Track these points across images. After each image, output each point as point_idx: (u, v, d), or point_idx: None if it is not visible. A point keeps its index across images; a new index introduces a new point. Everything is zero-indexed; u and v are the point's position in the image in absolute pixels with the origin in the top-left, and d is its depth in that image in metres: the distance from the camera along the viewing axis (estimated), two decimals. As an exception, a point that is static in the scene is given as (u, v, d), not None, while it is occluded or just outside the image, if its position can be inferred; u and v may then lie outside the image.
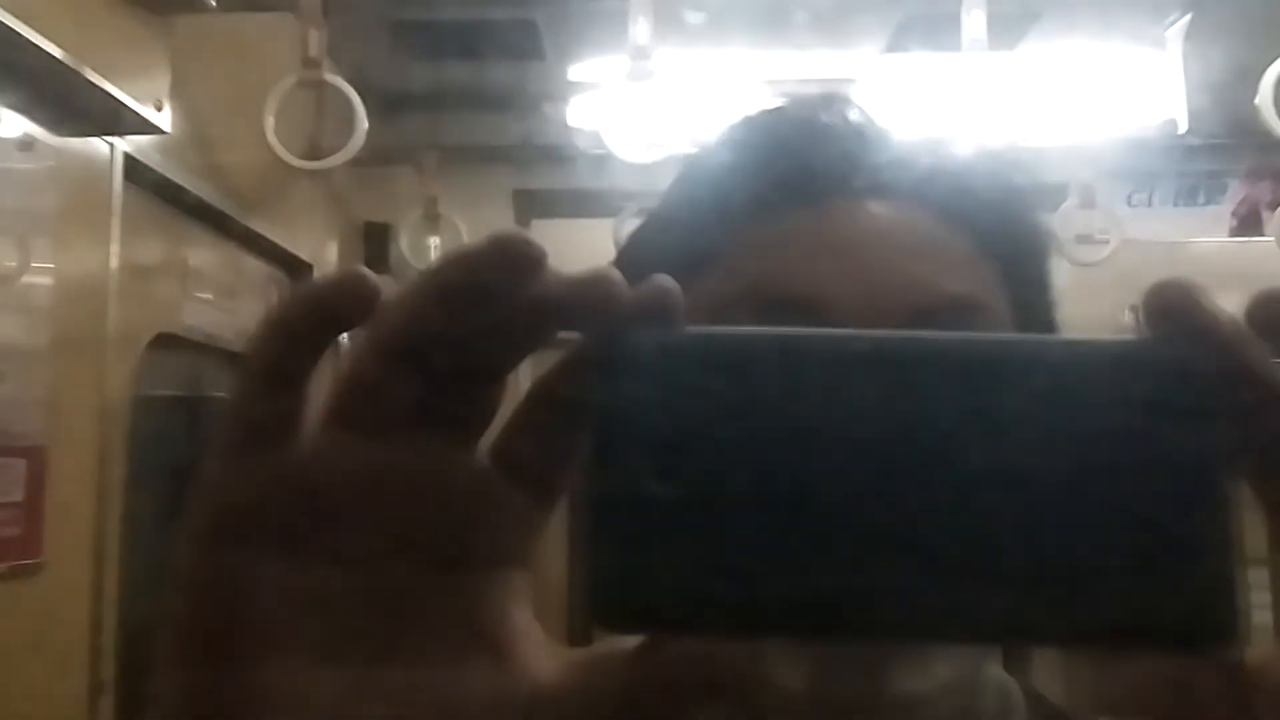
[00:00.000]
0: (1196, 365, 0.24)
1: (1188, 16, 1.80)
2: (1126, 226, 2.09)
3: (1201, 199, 2.59)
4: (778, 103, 0.55)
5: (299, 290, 0.26)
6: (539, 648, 0.27)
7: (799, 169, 0.50)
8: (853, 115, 0.52)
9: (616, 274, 0.25)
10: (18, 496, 1.47)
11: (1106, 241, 2.09)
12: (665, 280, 0.25)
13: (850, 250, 0.48)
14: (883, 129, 0.52)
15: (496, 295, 0.25)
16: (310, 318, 0.26)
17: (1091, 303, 2.14)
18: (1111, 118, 2.12)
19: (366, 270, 0.26)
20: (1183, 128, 1.83)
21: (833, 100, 0.53)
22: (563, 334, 0.26)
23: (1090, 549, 0.23)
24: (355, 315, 0.26)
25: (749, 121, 0.54)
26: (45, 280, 1.53)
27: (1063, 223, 2.13)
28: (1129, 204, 2.34)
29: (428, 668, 0.26)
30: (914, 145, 0.53)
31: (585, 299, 0.25)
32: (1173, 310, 0.24)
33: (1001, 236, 0.50)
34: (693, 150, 0.56)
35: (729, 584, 0.24)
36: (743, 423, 0.24)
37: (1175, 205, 2.58)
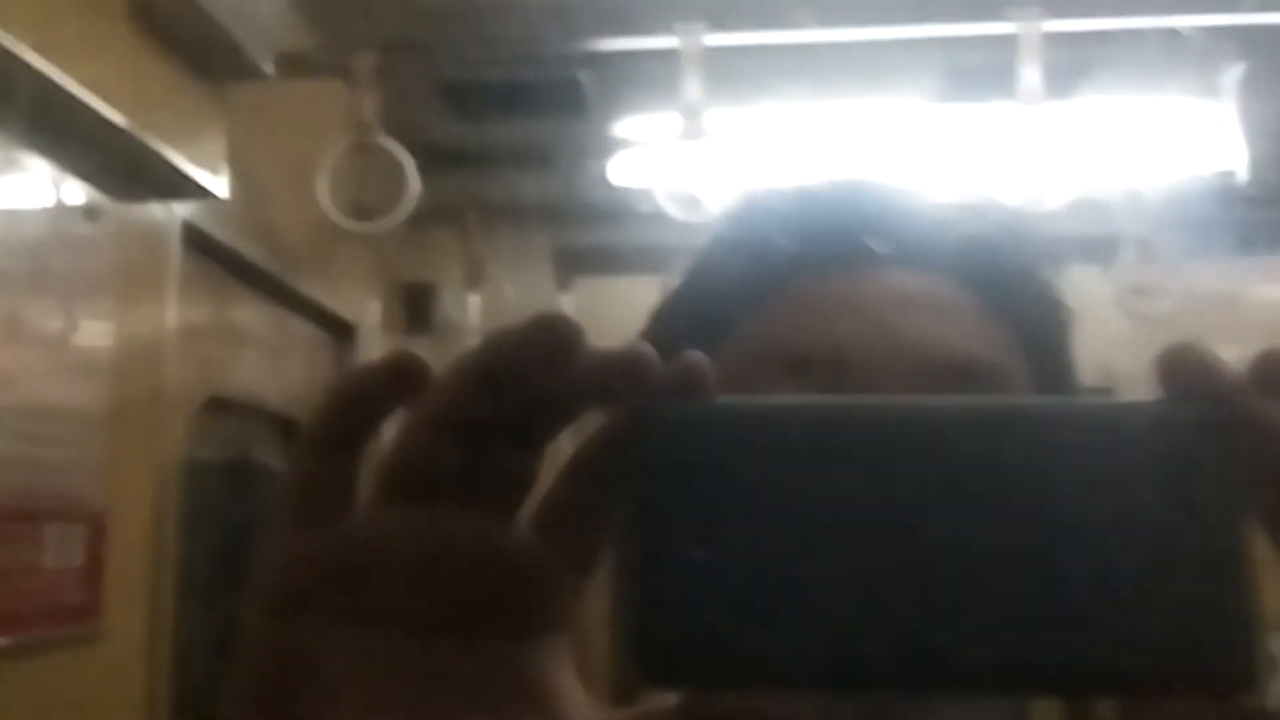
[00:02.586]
0: (1208, 419, 0.25)
1: (1243, 65, 1.80)
2: (1185, 278, 2.07)
3: (1259, 249, 2.57)
4: (800, 178, 0.57)
5: (354, 369, 0.28)
6: (584, 710, 0.28)
7: (819, 240, 0.51)
8: (875, 190, 0.55)
9: (649, 348, 0.27)
10: (79, 562, 1.46)
11: (1165, 294, 2.07)
12: (695, 354, 0.27)
13: (869, 312, 0.49)
14: (904, 200, 0.55)
15: (537, 373, 0.27)
16: (363, 395, 0.28)
17: (1149, 357, 2.11)
18: (1167, 168, 2.11)
19: (415, 353, 0.28)
20: (1242, 177, 1.81)
21: (856, 179, 0.56)
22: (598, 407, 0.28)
23: (1113, 602, 0.25)
24: (405, 393, 0.28)
25: (773, 195, 0.56)
26: (105, 343, 1.54)
27: (1119, 276, 2.11)
28: (1185, 255, 2.32)
29: None
30: (932, 216, 0.54)
31: (620, 373, 0.27)
32: (1185, 371, 0.26)
33: (1021, 306, 0.52)
34: (724, 216, 0.59)
35: (769, 639, 0.25)
36: (777, 489, 0.26)
37: (1232, 256, 2.56)
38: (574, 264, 3.07)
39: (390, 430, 0.28)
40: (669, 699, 0.26)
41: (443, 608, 0.27)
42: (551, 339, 0.27)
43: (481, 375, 0.27)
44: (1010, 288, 0.52)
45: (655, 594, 0.25)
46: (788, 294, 0.50)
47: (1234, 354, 0.27)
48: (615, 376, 0.27)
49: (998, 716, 0.49)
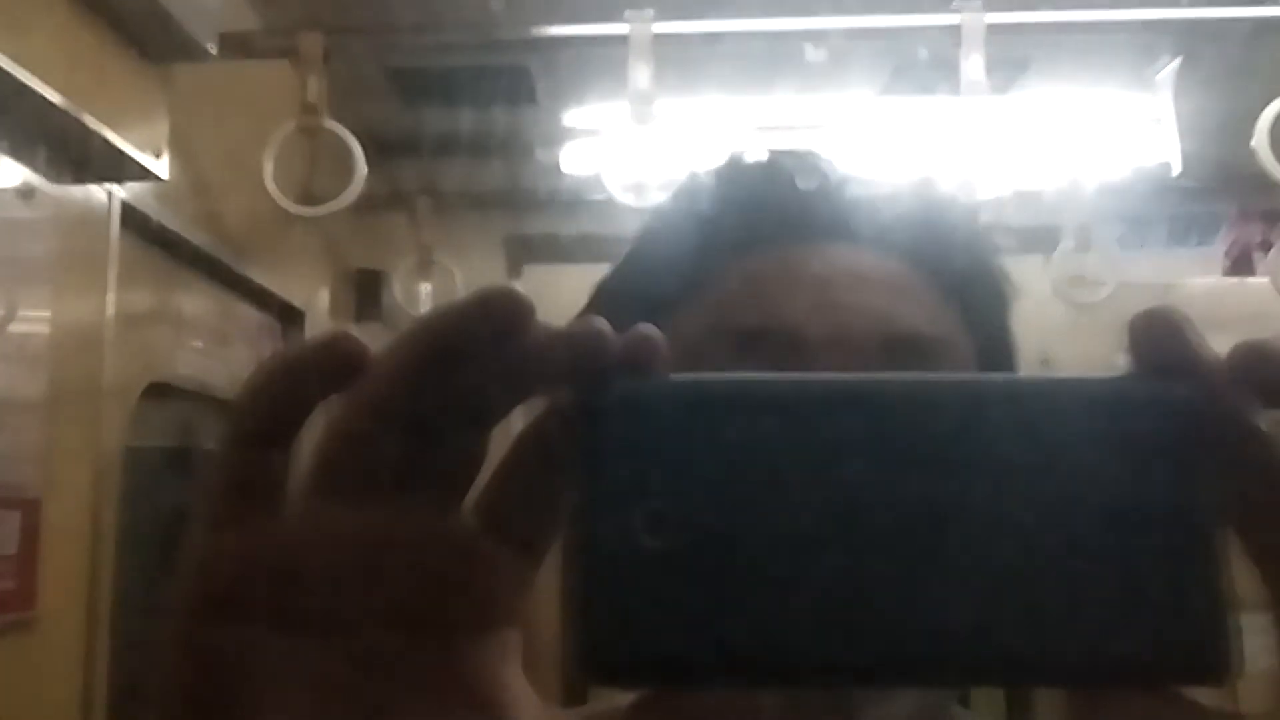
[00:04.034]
0: (1181, 403, 0.24)
1: (1177, 61, 1.83)
2: (1121, 268, 2.12)
3: (1193, 240, 2.62)
4: (747, 150, 0.56)
5: (284, 353, 0.26)
6: (532, 710, 0.26)
7: (768, 213, 0.51)
8: (822, 164, 0.54)
9: (604, 324, 0.25)
10: (12, 549, 1.44)
11: (1102, 284, 2.11)
12: (648, 328, 0.25)
13: (820, 286, 0.49)
14: (851, 177, 0.54)
15: (483, 351, 0.25)
16: (296, 381, 0.25)
17: (1086, 344, 2.17)
18: (1104, 161, 2.15)
19: (352, 332, 0.26)
20: (1176, 170, 1.85)
21: (803, 151, 0.55)
22: (545, 387, 0.26)
23: (1077, 587, 0.23)
24: (342, 378, 0.25)
25: (719, 169, 0.55)
26: (41, 329, 1.52)
27: (1058, 265, 2.15)
28: (1121, 246, 2.37)
29: None
30: (881, 192, 0.54)
31: (573, 351, 0.25)
32: (1159, 343, 0.24)
33: (964, 282, 0.52)
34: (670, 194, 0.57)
35: (723, 635, 0.23)
36: (732, 470, 0.24)
37: (1167, 247, 2.62)
38: (524, 251, 3.06)
39: (322, 416, 0.26)
40: (623, 697, 0.25)
41: (382, 604, 0.25)
42: (500, 315, 0.25)
43: (425, 355, 0.25)
44: (954, 264, 0.51)
45: (605, 586, 0.24)
46: (735, 268, 0.50)
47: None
48: (569, 355, 0.25)
49: (942, 701, 0.50)
